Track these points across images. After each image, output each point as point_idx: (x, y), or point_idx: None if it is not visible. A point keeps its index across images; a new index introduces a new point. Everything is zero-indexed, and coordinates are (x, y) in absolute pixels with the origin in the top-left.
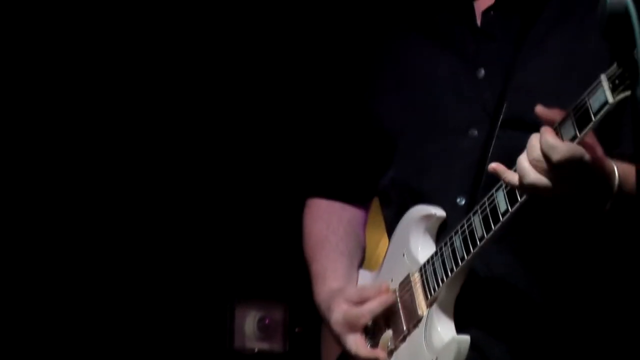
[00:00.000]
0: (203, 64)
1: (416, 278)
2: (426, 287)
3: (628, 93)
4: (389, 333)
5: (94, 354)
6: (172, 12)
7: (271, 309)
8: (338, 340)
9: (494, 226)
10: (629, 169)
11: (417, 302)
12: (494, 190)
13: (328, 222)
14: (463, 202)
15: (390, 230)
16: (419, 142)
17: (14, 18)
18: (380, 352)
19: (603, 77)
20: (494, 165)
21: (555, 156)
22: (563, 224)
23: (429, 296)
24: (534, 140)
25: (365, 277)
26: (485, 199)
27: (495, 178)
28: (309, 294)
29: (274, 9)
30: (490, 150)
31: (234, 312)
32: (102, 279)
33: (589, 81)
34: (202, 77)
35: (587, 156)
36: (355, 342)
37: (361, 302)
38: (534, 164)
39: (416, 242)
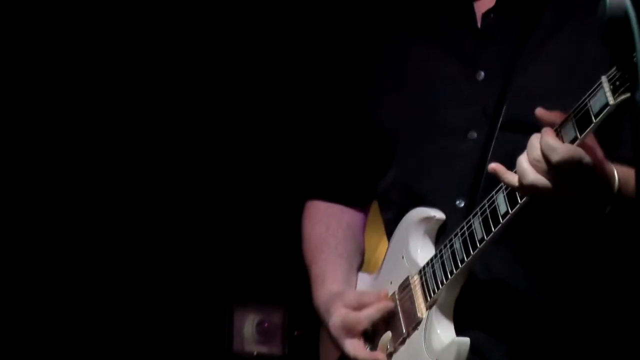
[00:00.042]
0: (203, 65)
1: (415, 280)
2: (426, 289)
3: (628, 95)
4: (388, 335)
5: (94, 356)
6: (172, 12)
7: (270, 312)
8: (336, 344)
9: (494, 228)
10: (629, 173)
11: (416, 304)
12: (494, 192)
13: (327, 225)
14: (462, 204)
15: (389, 233)
16: (418, 144)
17: (14, 18)
18: (379, 355)
19: (604, 79)
20: (494, 166)
21: (555, 157)
22: (563, 226)
23: (428, 298)
24: (535, 140)
25: (364, 280)
26: (485, 201)
27: (495, 180)
28: (308, 297)
29: (274, 12)
30: (490, 153)
31: (232, 315)
32: (102, 282)
33: (589, 84)
34: (201, 79)
35: (586, 158)
36: (354, 346)
37: (360, 307)
38: (533, 164)
39: (415, 244)
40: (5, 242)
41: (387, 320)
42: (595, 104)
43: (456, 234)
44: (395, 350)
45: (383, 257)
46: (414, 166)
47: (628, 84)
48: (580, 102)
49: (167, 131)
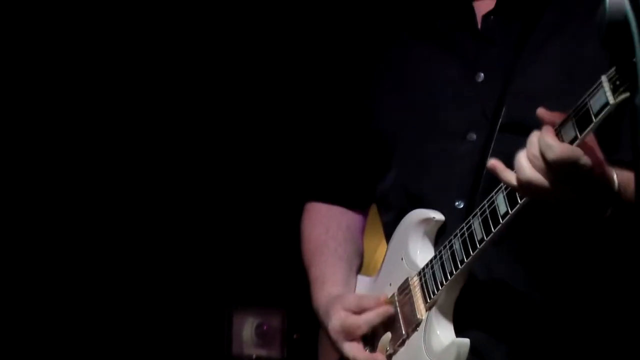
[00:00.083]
0: (203, 66)
1: (415, 282)
2: (425, 290)
3: (628, 94)
4: (387, 336)
5: (94, 358)
6: (172, 12)
7: (269, 316)
8: (335, 347)
9: (494, 228)
10: (629, 176)
11: (416, 305)
12: (493, 193)
13: (327, 227)
14: (462, 205)
15: (388, 236)
16: (418, 145)
17: (14, 18)
18: (379, 356)
19: (604, 78)
20: (493, 162)
21: (550, 155)
22: (563, 228)
23: (428, 300)
24: (534, 137)
25: (363, 283)
26: (485, 201)
27: (494, 182)
28: (307, 300)
29: (274, 13)
30: (489, 154)
31: (231, 318)
32: (102, 285)
33: (589, 86)
34: (202, 81)
35: (584, 160)
36: (353, 349)
37: (359, 311)
38: (531, 160)
39: (415, 246)
40: (5, 242)
41: (387, 322)
42: (595, 103)
43: (456, 235)
44: (394, 352)
45: (382, 259)
46: (414, 167)
47: (628, 84)
48: (580, 101)
49: (166, 137)
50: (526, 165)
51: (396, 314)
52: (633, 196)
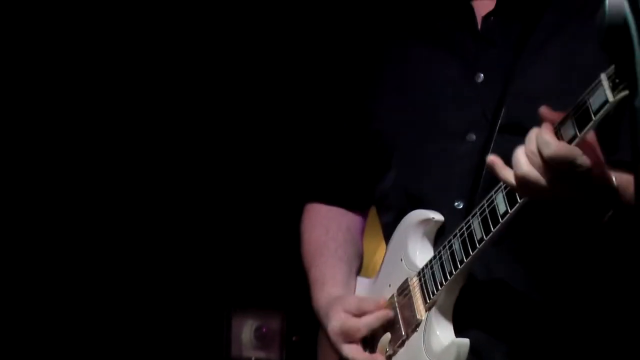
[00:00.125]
0: (203, 68)
1: (414, 282)
2: (425, 291)
3: (627, 92)
4: (387, 337)
5: None
6: (172, 12)
7: (268, 318)
8: (334, 348)
9: (493, 228)
10: (628, 179)
11: (415, 306)
12: (493, 192)
13: (327, 228)
14: (461, 206)
15: (387, 237)
16: (417, 146)
17: (14, 18)
18: (378, 357)
19: (603, 76)
20: (493, 158)
21: (547, 151)
22: (563, 228)
23: (427, 300)
24: (533, 134)
25: (363, 284)
26: (485, 201)
27: (494, 182)
28: (306, 302)
29: (274, 14)
30: (489, 155)
31: (230, 321)
32: (101, 288)
33: (588, 87)
34: (202, 82)
35: (581, 159)
36: (352, 350)
37: (359, 313)
38: (528, 155)
39: (414, 246)
40: (5, 242)
41: (387, 323)
42: (594, 101)
43: (455, 235)
44: (394, 353)
45: (381, 260)
46: (413, 168)
47: (627, 82)
48: (579, 99)
49: (165, 139)
50: (523, 160)
51: (395, 315)
52: (633, 198)
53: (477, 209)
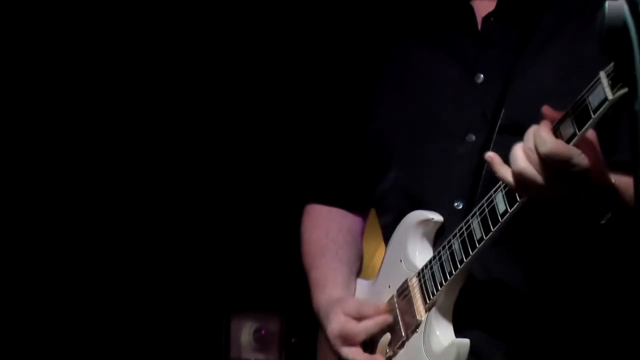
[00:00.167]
0: (203, 69)
1: (414, 283)
2: (424, 291)
3: (626, 90)
4: (387, 338)
5: None
6: (172, 12)
7: (267, 320)
8: (334, 350)
9: (493, 227)
10: (627, 181)
11: (415, 307)
12: (492, 192)
13: (328, 230)
14: (461, 206)
15: (386, 238)
16: (417, 146)
17: (14, 18)
18: (378, 358)
19: (602, 74)
20: (491, 154)
21: (542, 148)
22: (562, 229)
23: (427, 301)
24: (531, 130)
25: (362, 286)
26: (484, 200)
27: (493, 183)
28: (305, 304)
29: (274, 15)
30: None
31: (229, 323)
32: (100, 290)
33: None
34: (201, 83)
35: (578, 159)
36: (351, 352)
37: (359, 317)
38: (526, 152)
39: (414, 247)
40: (5, 243)
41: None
42: (594, 99)
43: (455, 235)
44: (394, 354)
45: (380, 262)
46: (413, 168)
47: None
48: (578, 98)
49: (164, 141)
50: (521, 156)
51: (395, 316)
52: (632, 200)
53: (476, 209)
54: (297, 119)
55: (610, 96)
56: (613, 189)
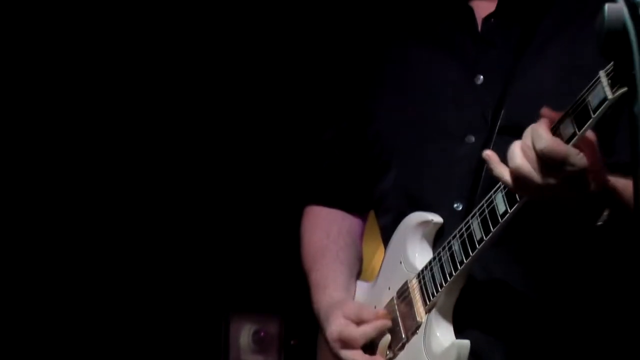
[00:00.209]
0: (203, 69)
1: (414, 284)
2: (424, 293)
3: (626, 89)
4: (387, 340)
5: None
6: (172, 12)
7: (266, 322)
8: (333, 352)
9: (493, 228)
10: (625, 183)
11: (415, 308)
12: (492, 192)
13: (328, 231)
14: (460, 207)
15: (386, 240)
16: (417, 147)
17: (14, 18)
18: (378, 359)
19: (602, 74)
20: (489, 152)
21: (539, 145)
22: (561, 229)
23: (427, 302)
24: (529, 129)
25: (362, 288)
26: (484, 201)
27: (493, 184)
28: (304, 306)
29: (273, 15)
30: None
31: (229, 325)
32: (99, 291)
33: None
34: (201, 84)
35: (575, 158)
36: (351, 354)
37: (358, 321)
38: (523, 149)
39: (413, 248)
40: (5, 243)
41: None
42: (593, 99)
43: (455, 236)
44: (394, 356)
45: (380, 264)
46: (413, 169)
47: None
48: (578, 97)
49: (164, 144)
50: (518, 153)
51: (395, 318)
52: (630, 202)
53: (476, 210)
54: (297, 119)
55: (610, 95)
56: (611, 190)
